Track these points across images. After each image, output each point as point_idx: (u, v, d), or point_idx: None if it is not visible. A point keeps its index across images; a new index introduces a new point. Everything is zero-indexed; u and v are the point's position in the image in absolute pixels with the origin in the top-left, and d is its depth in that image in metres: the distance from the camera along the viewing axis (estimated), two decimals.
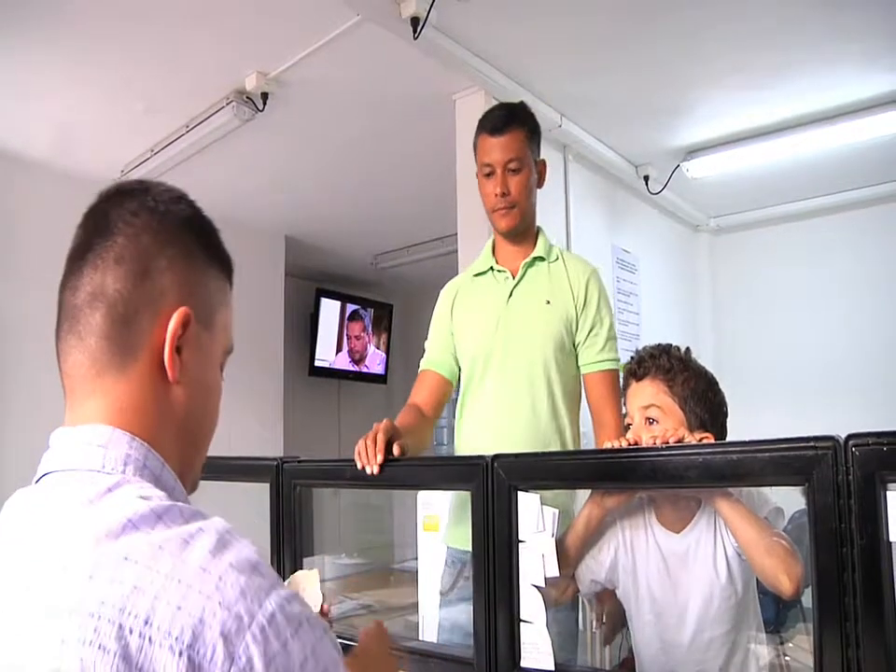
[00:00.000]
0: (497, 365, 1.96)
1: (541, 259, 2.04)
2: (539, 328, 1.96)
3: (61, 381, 0.77)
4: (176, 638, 0.56)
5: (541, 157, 2.08)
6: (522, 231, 2.04)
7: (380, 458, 1.55)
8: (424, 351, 2.14)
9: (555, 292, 1.99)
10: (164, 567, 0.59)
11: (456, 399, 2.10)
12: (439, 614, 1.95)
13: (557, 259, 2.06)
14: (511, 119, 1.99)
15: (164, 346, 0.74)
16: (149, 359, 0.74)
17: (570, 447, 1.94)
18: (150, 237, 0.75)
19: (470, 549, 1.85)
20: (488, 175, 1.99)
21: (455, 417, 2.10)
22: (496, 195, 1.97)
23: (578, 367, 2.00)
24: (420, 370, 2.09)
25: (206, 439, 0.84)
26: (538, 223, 2.12)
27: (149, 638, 0.56)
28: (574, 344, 1.99)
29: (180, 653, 0.56)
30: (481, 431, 1.97)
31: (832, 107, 3.59)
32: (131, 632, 0.56)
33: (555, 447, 1.91)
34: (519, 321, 1.97)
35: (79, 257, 0.76)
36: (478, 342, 1.99)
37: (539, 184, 2.07)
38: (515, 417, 1.93)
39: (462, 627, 1.80)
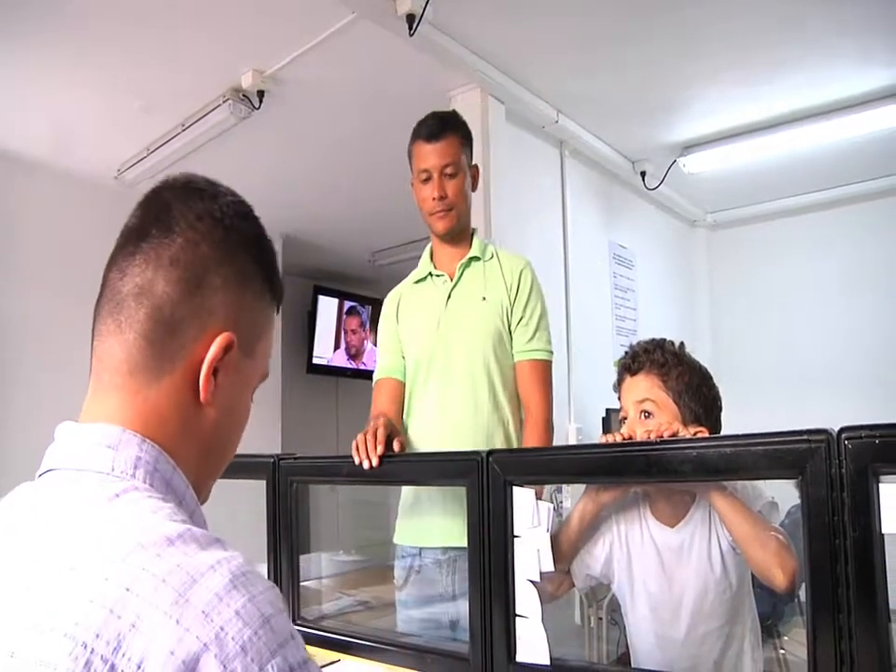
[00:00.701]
0: (439, 366, 2.01)
1: (477, 258, 2.10)
2: (476, 325, 2.01)
3: (89, 359, 0.75)
4: None
5: (474, 162, 2.15)
6: (458, 233, 2.10)
7: (380, 450, 1.57)
8: None
9: (490, 288, 2.05)
10: (164, 602, 0.54)
11: None
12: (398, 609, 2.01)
13: (492, 257, 2.12)
14: (446, 127, 2.07)
15: (202, 366, 0.72)
16: (185, 374, 0.72)
17: (513, 437, 2.00)
18: (210, 249, 0.73)
19: (417, 545, 1.94)
20: (425, 180, 2.05)
21: None
22: (433, 199, 2.03)
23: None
24: (375, 380, 2.12)
25: (227, 460, 0.82)
26: (472, 225, 2.19)
27: None
28: (510, 334, 2.04)
29: None
30: (426, 432, 2.01)
31: (828, 102, 3.60)
32: None
33: (499, 439, 1.97)
34: (457, 321, 2.03)
35: (134, 240, 0.73)
36: (420, 345, 2.04)
37: (473, 187, 2.14)
38: (459, 415, 1.98)
39: (418, 620, 1.91)
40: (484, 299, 2.03)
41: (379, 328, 2.19)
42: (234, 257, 0.75)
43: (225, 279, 0.73)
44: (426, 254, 2.18)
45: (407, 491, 2.01)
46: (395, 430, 1.67)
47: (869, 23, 2.92)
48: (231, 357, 0.73)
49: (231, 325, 0.73)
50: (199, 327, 0.72)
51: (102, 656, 0.53)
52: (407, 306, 2.13)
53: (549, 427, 1.98)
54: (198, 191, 0.76)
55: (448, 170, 2.03)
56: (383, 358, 2.12)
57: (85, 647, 0.53)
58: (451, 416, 1.98)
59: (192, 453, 0.74)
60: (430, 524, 1.91)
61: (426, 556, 1.94)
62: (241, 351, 0.75)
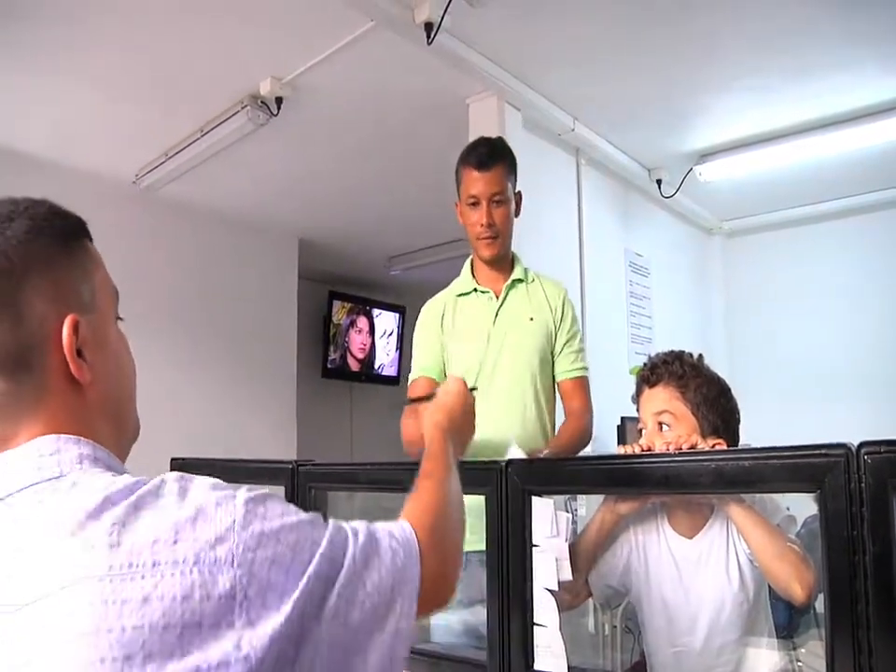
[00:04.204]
0: (486, 380, 2.10)
1: (520, 280, 2.23)
2: (525, 343, 2.15)
3: None
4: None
5: (517, 189, 2.24)
6: (502, 257, 2.22)
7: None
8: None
9: (535, 310, 2.19)
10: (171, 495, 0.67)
11: None
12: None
13: (534, 280, 2.26)
14: (496, 156, 2.15)
15: (67, 361, 0.74)
16: (57, 378, 0.74)
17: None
18: (6, 280, 0.72)
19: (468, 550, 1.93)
20: (473, 205, 2.15)
21: None
22: (481, 225, 2.14)
23: (553, 374, 2.22)
24: (413, 378, 2.22)
25: (131, 400, 0.86)
26: (512, 249, 2.29)
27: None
28: (552, 354, 2.21)
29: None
30: (475, 442, 2.03)
31: (845, 111, 3.58)
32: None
33: (538, 448, 2.06)
34: (507, 339, 2.14)
35: None
36: (469, 359, 2.13)
37: (516, 213, 2.24)
38: (508, 425, 2.06)
39: (466, 630, 1.88)
40: (532, 319, 2.18)
41: (418, 333, 2.27)
42: (29, 261, 0.73)
43: (35, 287, 0.73)
44: (467, 269, 2.28)
45: None
46: None
47: (885, 32, 2.90)
48: (83, 330, 0.75)
49: (65, 309, 0.74)
50: (42, 340, 0.73)
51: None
52: (453, 318, 2.21)
53: (589, 426, 2.17)
54: None
55: (496, 198, 2.13)
56: (422, 359, 2.21)
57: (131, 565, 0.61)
58: (497, 427, 2.02)
59: (102, 425, 0.78)
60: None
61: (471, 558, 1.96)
62: (86, 315, 0.76)
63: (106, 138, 3.72)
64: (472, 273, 2.26)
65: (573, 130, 3.61)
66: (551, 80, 3.28)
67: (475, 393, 2.05)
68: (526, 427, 2.11)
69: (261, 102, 3.26)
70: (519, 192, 2.23)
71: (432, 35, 2.69)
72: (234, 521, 0.65)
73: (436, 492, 0.93)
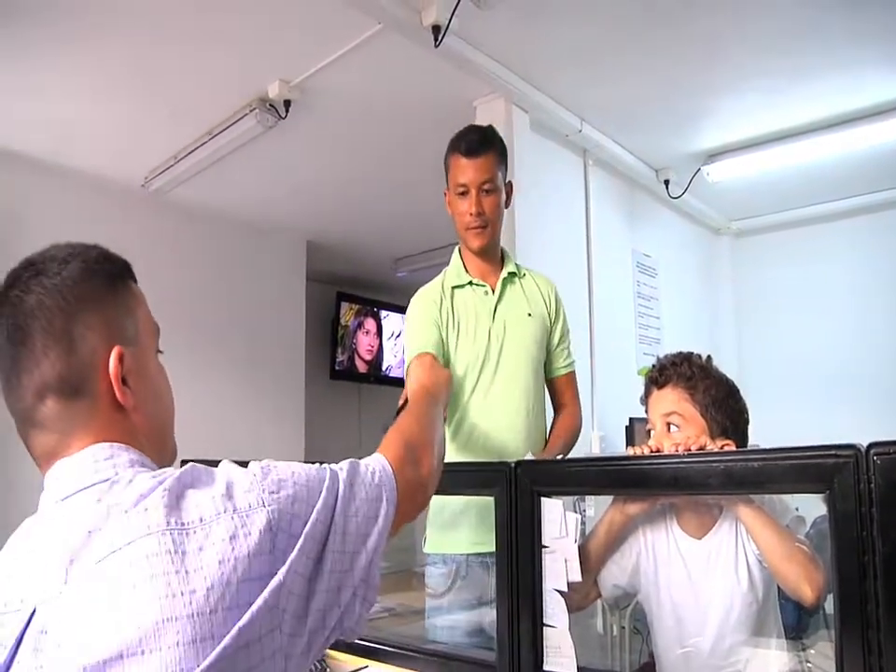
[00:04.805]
0: (489, 375, 2.07)
1: (514, 274, 2.19)
2: (526, 338, 2.12)
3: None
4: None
5: (507, 179, 2.17)
6: (491, 248, 2.16)
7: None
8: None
9: (533, 305, 2.16)
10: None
11: None
12: (435, 616, 2.01)
13: (525, 275, 2.22)
14: (486, 143, 2.08)
15: (113, 388, 0.84)
16: (106, 404, 0.84)
17: (545, 440, 2.14)
18: (60, 318, 0.82)
19: (467, 552, 1.95)
20: (462, 194, 2.08)
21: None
22: (470, 214, 2.07)
23: (546, 368, 2.20)
24: (412, 356, 2.02)
25: (171, 426, 0.97)
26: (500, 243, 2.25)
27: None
28: (548, 349, 2.20)
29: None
30: (475, 438, 2.05)
31: (853, 110, 3.58)
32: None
33: (540, 444, 2.11)
34: (507, 334, 2.10)
35: (11, 369, 0.83)
36: (471, 352, 2.08)
37: (506, 204, 2.17)
38: (512, 422, 2.06)
39: (461, 628, 1.92)
40: (530, 315, 2.14)
41: (414, 320, 2.14)
42: (79, 300, 0.84)
43: (87, 324, 0.84)
44: (457, 260, 2.20)
45: (453, 501, 2.01)
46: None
47: (890, 32, 2.90)
48: (128, 361, 0.85)
49: (113, 342, 0.85)
50: (93, 370, 0.83)
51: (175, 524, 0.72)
52: (452, 309, 2.13)
53: (581, 418, 2.21)
54: (23, 282, 0.85)
55: (486, 186, 2.06)
56: (420, 338, 2.06)
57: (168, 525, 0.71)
58: (504, 422, 2.05)
59: (146, 446, 0.87)
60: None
61: (472, 561, 1.96)
62: (130, 347, 0.87)
63: (116, 142, 3.74)
64: (464, 266, 2.18)
65: (580, 131, 3.62)
66: (558, 82, 3.29)
67: (475, 392, 2.07)
68: (530, 423, 2.08)
69: (270, 105, 3.27)
70: (510, 182, 2.17)
71: (440, 38, 2.70)
72: (255, 475, 0.79)
73: (407, 420, 1.15)
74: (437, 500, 1.93)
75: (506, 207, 2.16)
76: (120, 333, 0.87)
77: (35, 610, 0.71)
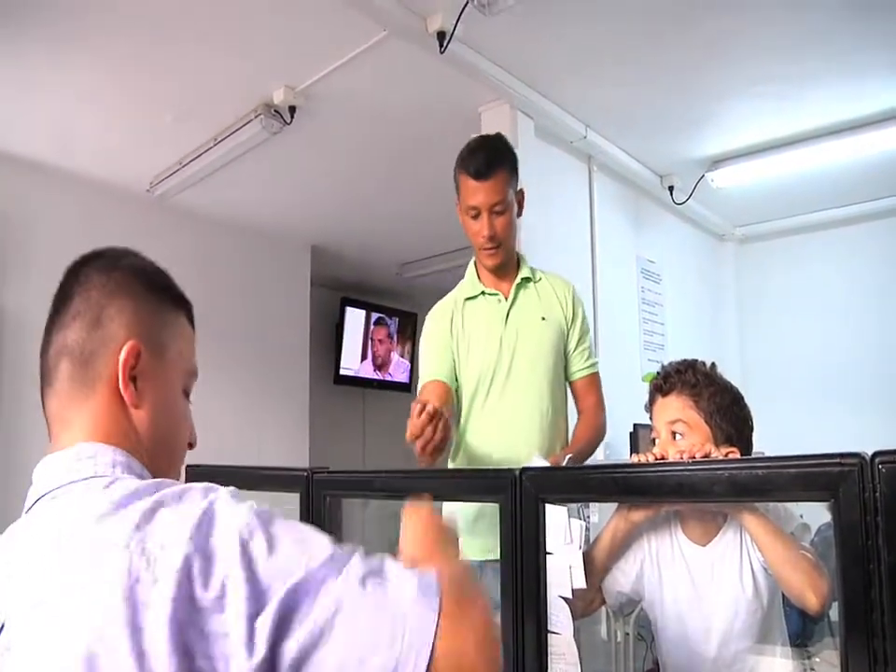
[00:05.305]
0: (500, 384, 2.08)
1: (528, 279, 2.18)
2: (538, 343, 2.11)
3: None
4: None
5: (519, 187, 2.16)
6: (506, 262, 2.17)
7: (438, 437, 1.61)
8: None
9: (547, 309, 2.15)
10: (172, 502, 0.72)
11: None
12: None
13: (541, 279, 2.21)
14: (495, 162, 2.05)
15: (118, 376, 0.85)
16: (108, 389, 0.85)
17: (564, 447, 2.12)
18: (98, 291, 0.87)
19: (481, 559, 1.92)
20: (474, 216, 2.07)
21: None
22: (483, 237, 2.07)
23: (566, 371, 2.19)
24: (422, 383, 2.13)
25: (176, 454, 0.95)
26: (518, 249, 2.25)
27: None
28: (565, 352, 2.18)
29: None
30: (489, 447, 2.06)
31: (857, 117, 3.58)
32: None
33: (557, 449, 2.09)
34: (519, 340, 2.10)
35: (48, 327, 0.89)
36: (481, 363, 2.09)
37: (519, 213, 2.15)
38: (525, 430, 2.06)
39: None
40: (544, 319, 2.13)
41: (426, 340, 2.20)
42: (122, 288, 0.89)
43: (119, 308, 0.87)
44: (472, 272, 2.22)
45: (468, 508, 1.98)
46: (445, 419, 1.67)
47: None
48: (143, 363, 0.87)
49: (135, 338, 0.87)
50: (107, 350, 0.86)
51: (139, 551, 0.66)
52: (463, 323, 2.14)
53: (604, 422, 2.19)
54: (84, 261, 0.91)
55: (497, 208, 2.05)
56: (431, 364, 2.13)
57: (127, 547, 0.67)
58: (516, 431, 2.05)
59: (141, 450, 0.87)
60: None
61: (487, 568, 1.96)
62: (153, 355, 0.89)
63: (121, 146, 3.75)
64: (478, 276, 2.20)
65: (585, 137, 3.62)
66: (563, 88, 3.30)
67: (488, 398, 2.06)
68: (544, 428, 2.08)
69: (275, 111, 3.28)
70: (521, 191, 2.16)
71: (445, 44, 2.71)
72: (239, 523, 0.70)
73: (448, 568, 0.77)
74: (450, 507, 1.94)
75: (518, 217, 2.15)
76: (148, 336, 0.89)
77: (3, 625, 0.69)
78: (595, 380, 2.21)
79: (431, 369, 2.13)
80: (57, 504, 0.77)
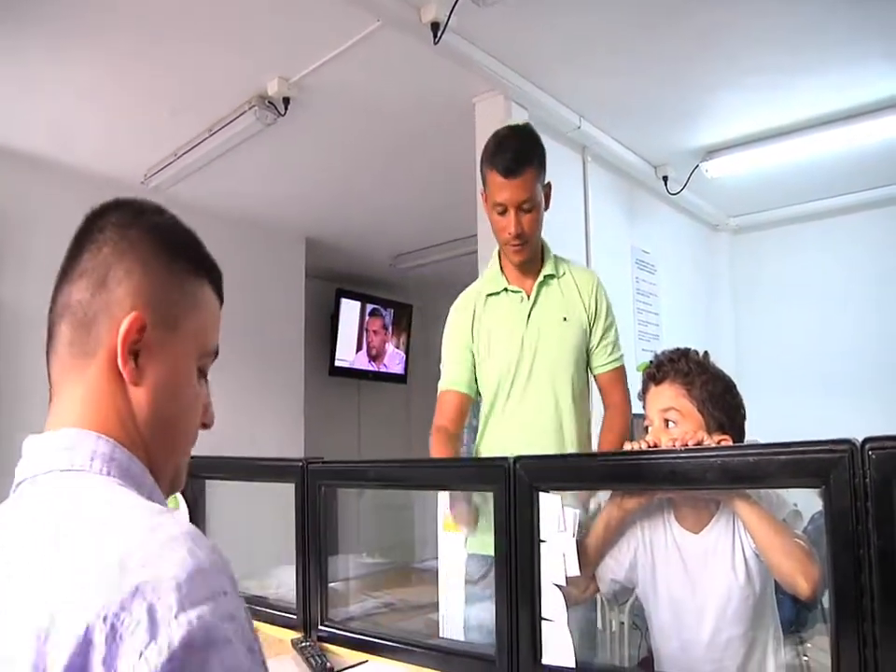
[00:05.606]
0: (521, 384, 2.07)
1: (551, 276, 2.15)
2: (560, 344, 2.09)
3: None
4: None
5: (547, 181, 2.11)
6: (532, 258, 2.14)
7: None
8: (441, 353, 2.20)
9: (569, 308, 2.12)
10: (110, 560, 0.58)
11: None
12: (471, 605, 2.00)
13: (564, 273, 2.18)
14: (524, 159, 2.00)
15: (117, 350, 0.76)
16: (106, 362, 0.76)
17: (587, 447, 2.12)
18: (110, 249, 0.79)
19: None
20: (501, 212, 2.04)
21: (474, 440, 2.19)
22: (509, 233, 2.04)
23: (588, 367, 2.17)
24: (442, 390, 2.13)
25: (181, 440, 0.85)
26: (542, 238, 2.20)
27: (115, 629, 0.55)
28: (588, 349, 2.16)
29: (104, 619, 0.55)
30: (509, 447, 2.04)
31: (851, 107, 3.58)
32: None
33: (580, 447, 2.09)
34: (541, 341, 2.08)
35: (57, 279, 0.81)
36: (503, 364, 2.08)
37: (546, 207, 2.12)
38: (545, 431, 2.05)
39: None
40: (565, 319, 2.11)
41: (448, 335, 2.17)
42: (135, 247, 0.79)
43: (128, 270, 0.78)
44: (496, 265, 2.19)
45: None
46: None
47: (891, 28, 2.90)
48: (149, 336, 0.77)
49: (141, 307, 0.77)
50: (109, 316, 0.77)
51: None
52: (484, 319, 2.13)
53: (630, 416, 2.15)
54: (101, 211, 0.83)
55: (525, 205, 2.02)
56: (451, 370, 2.13)
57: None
58: (537, 433, 2.05)
59: (138, 436, 0.78)
60: None
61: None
62: (161, 329, 0.79)
63: (115, 139, 3.74)
64: (501, 270, 2.17)
65: (579, 128, 3.62)
66: (557, 79, 3.29)
67: (509, 400, 2.07)
68: (563, 430, 2.07)
69: (269, 102, 3.27)
70: (548, 184, 2.11)
71: (439, 35, 2.70)
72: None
73: None
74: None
75: (545, 209, 2.12)
76: (157, 306, 0.79)
77: None
78: (619, 374, 2.19)
79: (451, 375, 2.13)
80: (35, 492, 0.71)
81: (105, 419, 0.76)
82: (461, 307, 2.18)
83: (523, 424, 2.07)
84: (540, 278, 2.14)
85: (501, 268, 2.17)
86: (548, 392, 2.07)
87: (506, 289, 2.14)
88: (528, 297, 2.12)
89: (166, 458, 0.82)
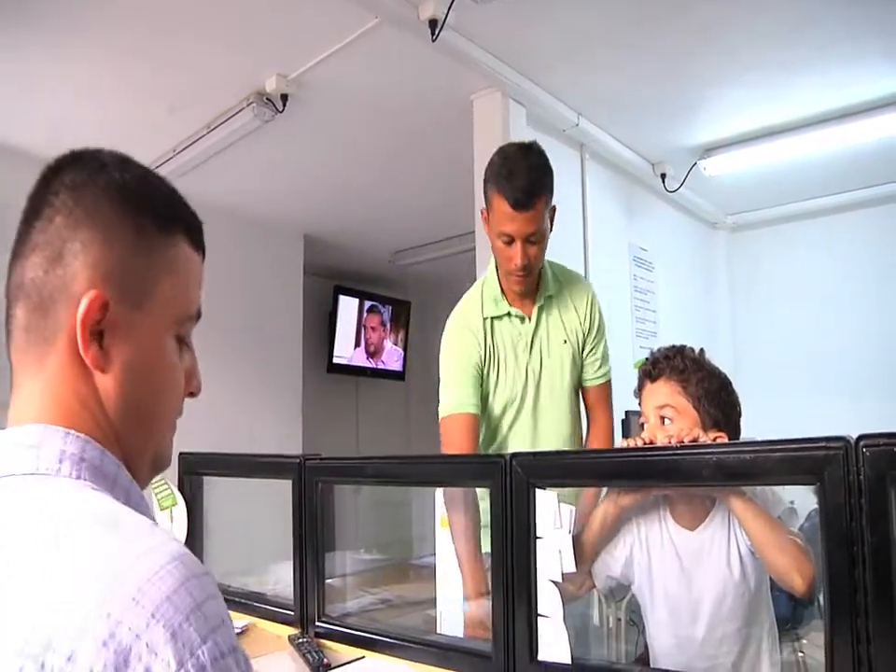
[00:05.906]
0: (529, 408, 2.08)
1: (551, 297, 2.12)
2: (563, 368, 2.11)
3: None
4: None
5: (553, 203, 2.03)
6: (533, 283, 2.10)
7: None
8: (438, 355, 2.13)
9: (569, 329, 2.13)
10: (92, 598, 0.54)
11: None
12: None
13: (562, 289, 2.15)
14: (535, 191, 1.90)
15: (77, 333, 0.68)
16: (67, 348, 0.68)
17: None
18: (63, 217, 0.69)
19: None
20: (507, 242, 1.95)
21: None
22: (515, 265, 1.95)
23: (580, 380, 2.18)
24: (450, 413, 2.00)
25: (158, 422, 0.76)
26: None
27: None
28: (581, 364, 2.17)
29: None
30: None
31: (850, 105, 3.58)
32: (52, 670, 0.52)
33: None
34: (545, 368, 2.09)
35: (11, 256, 0.71)
36: (510, 389, 2.07)
37: (550, 229, 2.03)
38: (549, 446, 2.07)
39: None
40: (566, 342, 2.11)
41: (453, 356, 2.06)
42: (94, 212, 0.70)
43: (85, 241, 0.68)
44: (496, 287, 2.09)
45: None
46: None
47: (890, 26, 2.90)
48: (113, 314, 0.68)
49: (100, 282, 0.68)
50: (67, 296, 0.68)
51: (33, 657, 0.52)
52: (490, 347, 2.06)
53: (613, 441, 2.21)
54: (57, 167, 0.72)
55: (532, 238, 1.93)
56: (458, 391, 2.01)
57: (19, 654, 0.52)
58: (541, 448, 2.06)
59: (110, 428, 0.70)
60: None
61: None
62: (128, 304, 0.70)
63: (113, 135, 3.71)
64: (501, 291, 2.08)
65: (577, 125, 3.62)
66: (555, 76, 3.29)
67: (515, 423, 2.08)
68: (564, 447, 2.11)
69: (267, 99, 3.27)
70: (553, 207, 2.01)
71: (437, 32, 2.70)
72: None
73: None
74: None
75: (549, 232, 2.03)
76: (121, 280, 0.70)
77: None
78: (606, 391, 2.20)
79: (461, 397, 2.00)
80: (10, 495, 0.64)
81: (71, 412, 0.69)
82: (466, 327, 2.06)
83: (525, 447, 2.08)
84: (541, 301, 2.09)
85: (501, 289, 2.09)
86: (552, 414, 2.10)
87: (509, 314, 2.08)
88: (530, 319, 2.09)
89: (144, 445, 0.75)
